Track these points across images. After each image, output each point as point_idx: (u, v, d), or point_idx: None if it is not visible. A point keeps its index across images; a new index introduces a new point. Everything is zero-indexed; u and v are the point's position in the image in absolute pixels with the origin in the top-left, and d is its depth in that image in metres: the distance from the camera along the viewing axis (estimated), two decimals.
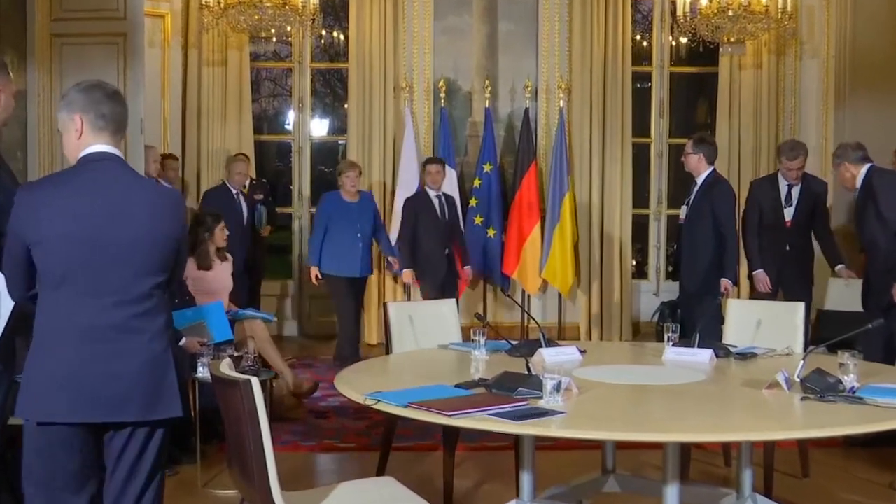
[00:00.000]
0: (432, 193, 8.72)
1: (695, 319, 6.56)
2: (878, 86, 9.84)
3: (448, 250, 8.72)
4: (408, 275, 8.65)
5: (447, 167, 9.76)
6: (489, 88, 10.56)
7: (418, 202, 8.72)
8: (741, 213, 7.79)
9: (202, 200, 9.36)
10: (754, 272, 7.64)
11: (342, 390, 4.16)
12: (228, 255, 7.09)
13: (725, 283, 7.01)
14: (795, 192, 7.62)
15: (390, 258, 9.20)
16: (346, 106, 10.91)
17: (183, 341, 5.14)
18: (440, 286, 8.52)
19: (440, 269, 8.63)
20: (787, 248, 7.64)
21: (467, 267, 9.04)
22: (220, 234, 6.96)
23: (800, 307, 5.65)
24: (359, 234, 8.64)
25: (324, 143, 11.82)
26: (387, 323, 5.61)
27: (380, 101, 10.46)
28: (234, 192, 9.18)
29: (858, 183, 6.56)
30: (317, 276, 8.65)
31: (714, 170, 7.23)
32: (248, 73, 10.64)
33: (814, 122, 10.80)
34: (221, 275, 6.93)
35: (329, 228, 8.64)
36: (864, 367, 4.38)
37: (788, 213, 7.64)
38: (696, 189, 7.21)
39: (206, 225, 6.89)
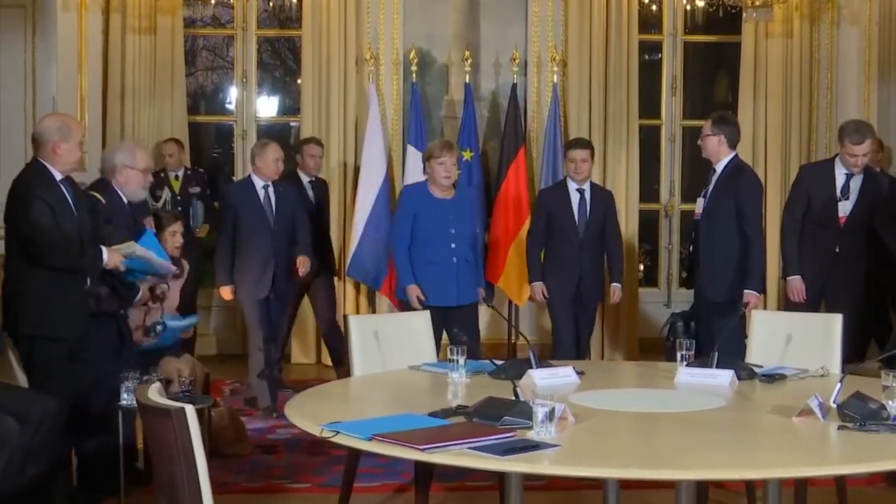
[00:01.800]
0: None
1: (713, 334, 6.59)
2: None
3: None
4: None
5: (418, 154, 9.77)
6: (469, 61, 10.56)
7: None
8: (783, 204, 7.81)
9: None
10: (789, 278, 7.63)
11: (294, 420, 4.16)
12: (184, 266, 7.22)
13: (749, 295, 7.01)
14: (855, 183, 7.55)
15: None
16: (298, 81, 10.91)
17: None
18: None
19: None
20: (837, 250, 7.61)
21: None
22: (170, 241, 7.02)
23: (836, 319, 5.67)
24: (454, 245, 7.54)
25: (272, 125, 11.80)
26: (347, 339, 5.60)
27: (339, 75, 10.44)
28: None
29: None
30: (419, 299, 7.37)
31: (736, 155, 7.25)
32: (181, 42, 10.61)
33: (854, 101, 10.85)
34: (168, 292, 6.93)
35: (413, 235, 7.51)
36: None
37: (844, 209, 7.56)
38: (714, 178, 7.22)
39: (158, 227, 6.96)
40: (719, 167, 7.21)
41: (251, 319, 8.24)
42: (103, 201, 6.08)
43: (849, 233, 7.59)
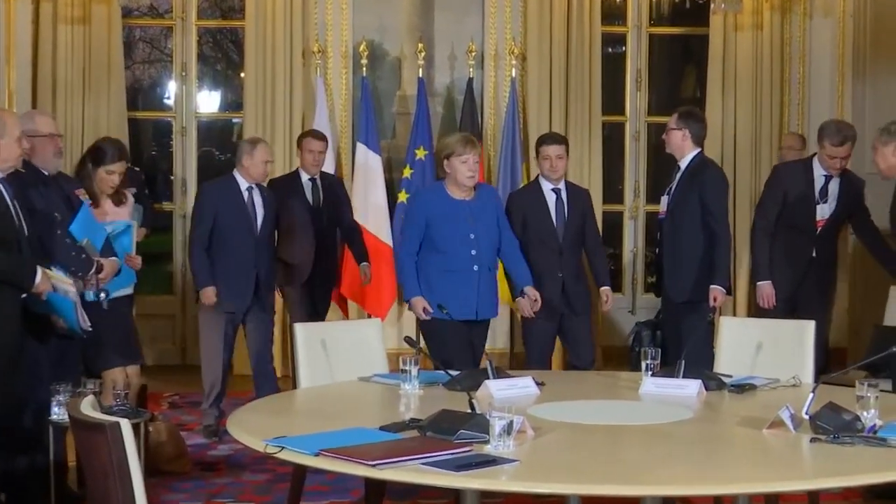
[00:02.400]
0: None
1: (681, 338, 6.63)
2: None
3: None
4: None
5: (369, 152, 9.77)
6: (423, 54, 10.56)
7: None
8: (753, 204, 7.86)
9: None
10: (759, 283, 7.68)
11: (237, 435, 4.15)
12: (129, 198, 7.18)
13: (715, 291, 7.09)
14: (834, 186, 7.60)
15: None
16: (241, 75, 10.87)
17: None
18: None
19: None
20: (814, 254, 7.66)
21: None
22: (105, 180, 6.90)
23: (809, 326, 5.72)
24: (474, 251, 7.03)
25: (213, 121, 11.76)
26: (293, 349, 5.59)
27: (285, 68, 10.41)
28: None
29: None
30: (426, 310, 6.91)
31: (701, 152, 7.31)
32: (118, 33, 10.54)
33: (827, 96, 10.93)
34: (113, 218, 6.92)
35: (428, 241, 7.04)
36: (887, 401, 4.45)
37: (822, 212, 7.62)
38: (678, 175, 7.28)
39: (95, 160, 6.90)
40: (683, 163, 7.28)
41: (216, 334, 7.91)
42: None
43: (824, 237, 7.65)
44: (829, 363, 7.73)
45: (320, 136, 8.91)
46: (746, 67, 10.85)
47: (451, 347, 6.74)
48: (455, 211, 7.00)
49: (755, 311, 7.77)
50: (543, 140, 7.82)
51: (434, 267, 6.96)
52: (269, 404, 4.94)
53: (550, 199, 7.67)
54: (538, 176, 7.78)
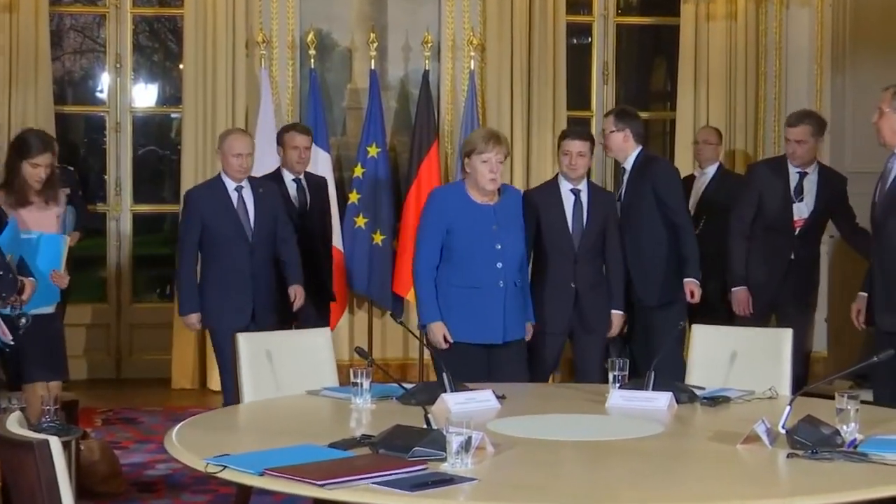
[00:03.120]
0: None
1: (653, 346, 6.66)
2: (887, 43, 10.07)
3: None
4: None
5: (317, 150, 9.73)
6: (375, 45, 10.56)
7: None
8: (733, 208, 7.89)
9: None
10: (734, 289, 7.73)
11: (175, 454, 4.13)
12: (61, 198, 7.09)
13: (690, 285, 7.17)
14: (810, 183, 7.66)
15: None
16: (180, 67, 10.83)
17: None
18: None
19: None
20: (793, 257, 7.71)
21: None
22: (31, 174, 6.83)
23: (786, 335, 5.76)
24: (500, 265, 6.58)
25: (150, 116, 11.70)
26: (235, 360, 5.57)
27: (227, 60, 10.38)
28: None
29: None
30: (447, 339, 6.51)
31: (643, 149, 7.38)
32: (45, 21, 10.48)
33: (805, 90, 11.00)
34: (43, 220, 6.85)
35: (445, 251, 6.62)
36: (868, 414, 4.48)
37: (800, 211, 7.69)
38: (626, 177, 7.36)
39: (19, 152, 6.84)
40: (628, 164, 7.35)
41: (227, 354, 7.05)
42: None
43: (804, 238, 7.70)
44: (808, 373, 7.78)
45: (305, 130, 8.66)
46: (719, 59, 10.91)
47: (468, 377, 5.78)
48: (477, 217, 6.53)
49: (732, 317, 7.79)
50: (566, 134, 7.45)
51: (452, 283, 6.54)
52: (211, 420, 4.92)
53: (568, 200, 7.24)
54: (557, 174, 7.44)
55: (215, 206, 7.56)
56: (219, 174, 7.75)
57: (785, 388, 5.49)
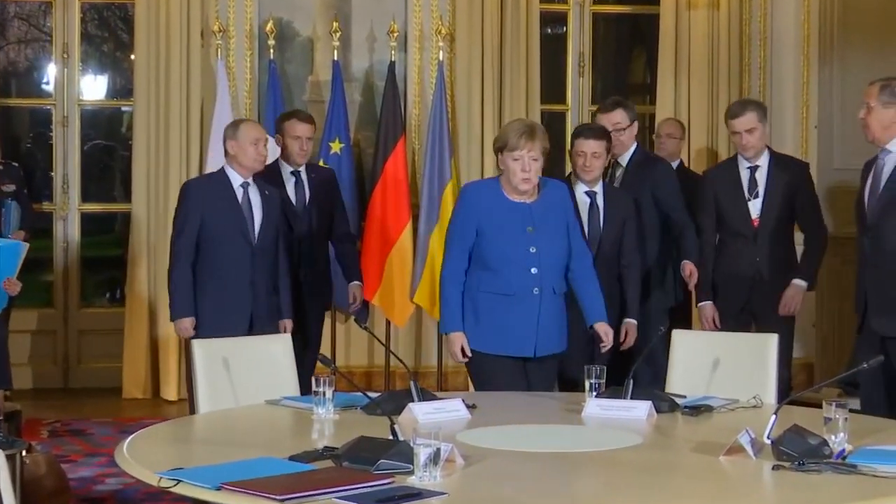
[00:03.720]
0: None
1: (635, 353, 6.69)
2: (878, 32, 10.12)
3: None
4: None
5: (274, 144, 9.77)
6: (339, 34, 10.56)
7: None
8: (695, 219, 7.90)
9: None
10: (699, 304, 7.76)
11: (126, 467, 4.12)
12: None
13: (688, 265, 7.33)
14: (762, 176, 7.67)
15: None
16: (132, 57, 10.81)
17: None
18: None
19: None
20: (758, 258, 7.71)
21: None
22: None
23: (771, 340, 5.78)
24: (535, 270, 6.25)
25: (100, 109, 11.66)
26: (190, 368, 5.56)
27: (181, 50, 10.36)
28: None
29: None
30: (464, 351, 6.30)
31: (639, 144, 7.41)
32: None
33: (791, 82, 11.05)
34: None
35: (475, 254, 6.35)
36: (858, 423, 4.51)
37: (755, 208, 7.66)
38: (620, 172, 7.36)
39: None
40: (624, 159, 7.37)
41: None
42: None
43: (767, 238, 7.64)
44: (790, 381, 7.79)
45: (308, 118, 8.39)
46: (701, 50, 10.94)
47: (500, 389, 6.00)
48: (512, 216, 6.24)
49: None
50: (579, 132, 7.29)
51: (481, 289, 6.27)
52: (164, 432, 4.91)
53: (583, 203, 7.14)
54: (569, 174, 7.35)
55: (218, 200, 7.27)
56: (222, 168, 7.46)
57: (770, 396, 5.51)
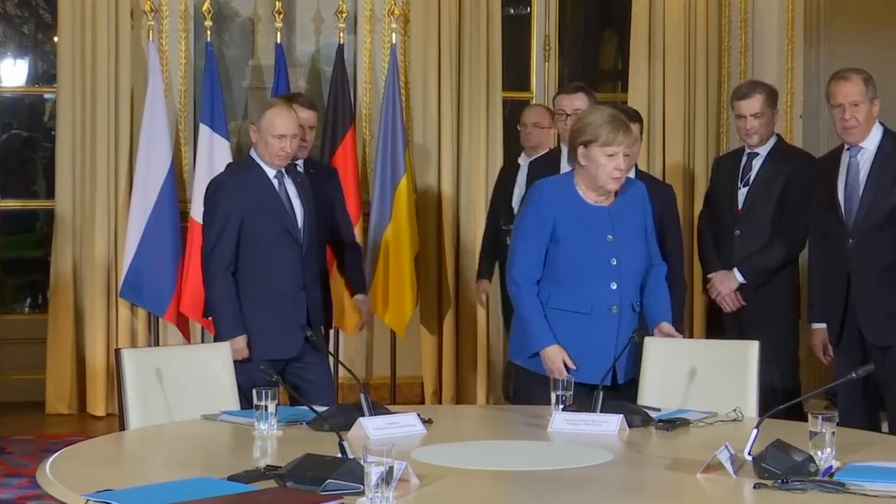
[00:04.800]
0: None
1: None
2: (867, 15, 10.18)
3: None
4: None
5: (214, 136, 9.72)
6: (282, 15, 10.56)
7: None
8: (685, 199, 7.95)
9: None
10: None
11: (49, 489, 4.11)
12: None
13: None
14: (757, 164, 7.69)
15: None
16: (55, 40, 10.77)
17: None
18: None
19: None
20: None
21: None
22: None
23: (751, 347, 5.80)
24: (614, 285, 6.02)
25: (19, 97, 11.63)
26: (120, 381, 5.55)
27: (109, 32, 10.33)
28: None
29: (874, 140, 6.73)
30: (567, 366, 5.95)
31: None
32: None
33: (774, 67, 11.11)
34: None
35: (549, 261, 6.06)
36: (845, 437, 4.54)
37: (742, 197, 7.68)
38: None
39: None
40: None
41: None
42: None
43: (750, 230, 7.70)
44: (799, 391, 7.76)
45: (310, 104, 7.93)
46: (677, 33, 10.98)
47: None
48: (589, 222, 5.97)
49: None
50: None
51: (550, 304, 5.99)
52: (91, 450, 4.89)
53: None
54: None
55: (256, 195, 6.81)
56: (249, 156, 7.05)
57: (751, 408, 5.54)
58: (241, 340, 6.61)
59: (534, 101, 11.20)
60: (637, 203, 6.10)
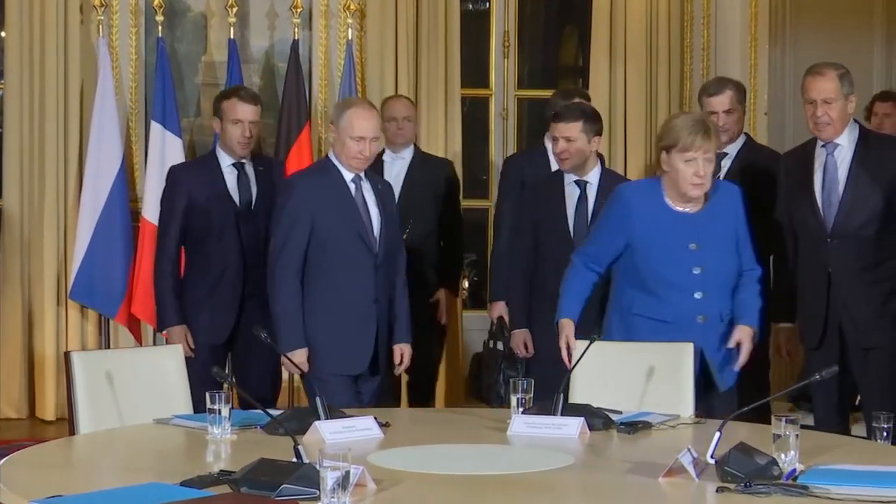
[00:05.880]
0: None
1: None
2: (833, 12, 10.23)
3: None
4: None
5: (166, 133, 9.71)
6: (235, 10, 10.53)
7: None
8: None
9: None
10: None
11: None
12: None
13: None
14: (727, 164, 7.67)
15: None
16: (2, 35, 10.73)
17: None
18: None
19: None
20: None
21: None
22: None
23: (686, 350, 5.82)
24: (699, 295, 6.07)
25: None
26: (70, 384, 5.53)
27: (57, 27, 10.28)
28: None
29: (849, 137, 6.74)
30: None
31: (602, 163, 7.39)
32: None
33: (737, 65, 11.12)
34: None
35: (626, 271, 6.16)
36: (810, 440, 4.56)
37: None
38: (590, 194, 7.25)
39: None
40: (592, 178, 7.26)
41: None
42: None
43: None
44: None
45: (252, 98, 7.73)
46: (638, 29, 11.00)
47: None
48: (672, 230, 5.97)
49: None
50: (554, 115, 7.26)
51: (633, 311, 6.10)
52: (40, 455, 4.87)
53: (571, 194, 7.21)
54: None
55: (328, 199, 6.62)
56: (327, 156, 6.93)
57: (687, 410, 5.57)
58: (301, 354, 6.52)
59: (492, 98, 11.24)
60: (728, 208, 6.05)
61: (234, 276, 7.46)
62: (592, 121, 7.17)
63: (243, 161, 7.63)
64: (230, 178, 7.60)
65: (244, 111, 7.55)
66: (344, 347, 6.59)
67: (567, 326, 6.01)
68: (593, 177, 7.16)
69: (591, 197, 7.12)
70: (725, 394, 6.11)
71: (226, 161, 7.62)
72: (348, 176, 6.62)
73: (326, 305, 6.61)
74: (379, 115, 6.89)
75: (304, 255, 6.57)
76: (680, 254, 5.92)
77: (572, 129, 7.04)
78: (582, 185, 7.16)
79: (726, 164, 7.55)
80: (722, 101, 7.51)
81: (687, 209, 5.97)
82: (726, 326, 6.04)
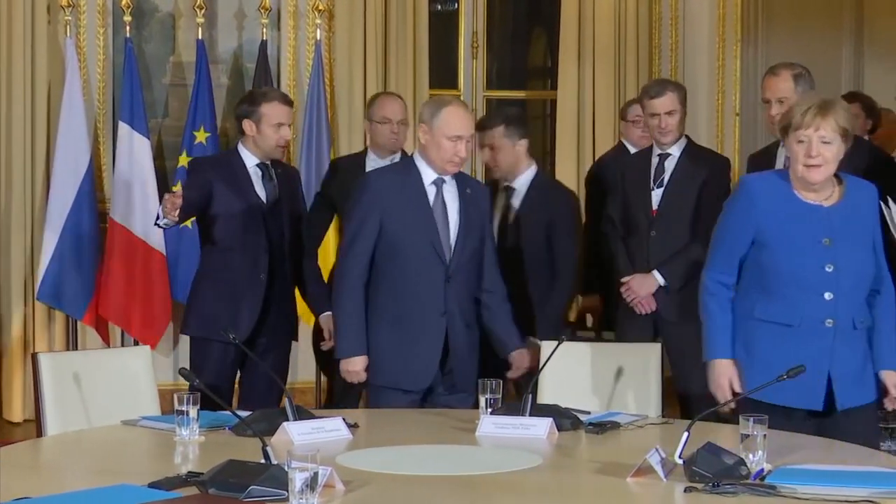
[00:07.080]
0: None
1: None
2: (805, 12, 10.26)
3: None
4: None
5: (134, 134, 9.70)
6: (203, 10, 10.51)
7: None
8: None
9: None
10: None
11: None
12: None
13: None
14: (671, 165, 7.66)
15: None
16: None
17: None
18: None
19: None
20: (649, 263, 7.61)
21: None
22: None
23: (654, 350, 5.83)
24: (829, 295, 5.39)
25: None
26: (37, 386, 5.52)
27: (24, 26, 10.24)
28: None
29: None
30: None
31: (536, 166, 7.45)
32: None
33: (705, 66, 11.18)
34: None
35: (755, 266, 5.51)
36: (778, 440, 4.58)
37: (657, 199, 7.61)
38: (516, 199, 7.33)
39: None
40: (520, 184, 7.31)
41: None
42: None
43: (667, 231, 7.65)
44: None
45: (286, 98, 7.46)
46: (607, 30, 11.03)
47: None
48: (803, 222, 5.39)
49: None
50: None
51: (754, 314, 5.47)
52: (7, 457, 4.84)
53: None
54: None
55: (403, 201, 6.30)
56: (410, 155, 6.70)
57: (652, 409, 5.59)
58: (359, 362, 6.29)
59: (461, 98, 11.24)
60: (866, 205, 5.47)
61: (260, 276, 7.19)
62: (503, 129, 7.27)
63: (266, 162, 7.32)
64: (255, 178, 7.28)
65: (288, 115, 7.30)
66: (406, 360, 6.26)
67: (727, 367, 5.44)
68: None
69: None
70: (856, 412, 5.39)
71: (251, 161, 7.28)
72: (429, 178, 6.29)
73: (391, 314, 6.30)
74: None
75: (372, 256, 6.29)
76: (811, 248, 5.32)
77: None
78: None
79: (671, 164, 7.59)
80: (664, 103, 7.50)
81: (820, 201, 5.37)
82: (861, 334, 5.43)
